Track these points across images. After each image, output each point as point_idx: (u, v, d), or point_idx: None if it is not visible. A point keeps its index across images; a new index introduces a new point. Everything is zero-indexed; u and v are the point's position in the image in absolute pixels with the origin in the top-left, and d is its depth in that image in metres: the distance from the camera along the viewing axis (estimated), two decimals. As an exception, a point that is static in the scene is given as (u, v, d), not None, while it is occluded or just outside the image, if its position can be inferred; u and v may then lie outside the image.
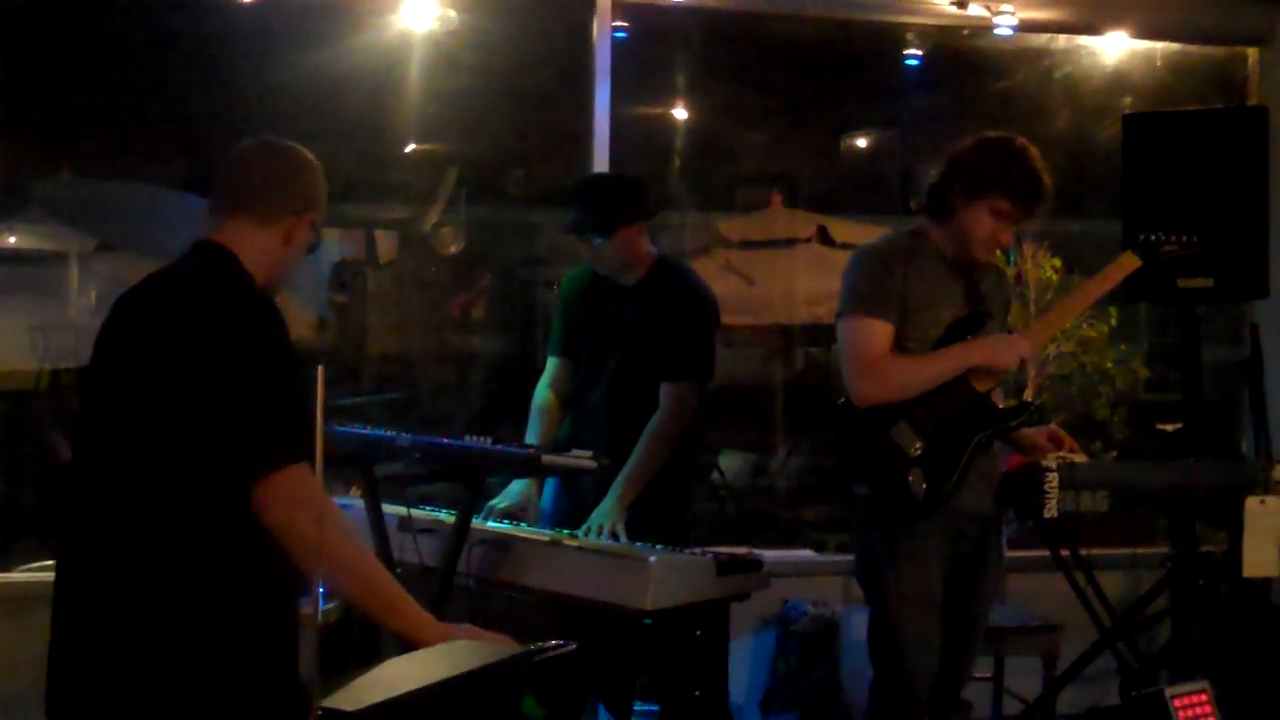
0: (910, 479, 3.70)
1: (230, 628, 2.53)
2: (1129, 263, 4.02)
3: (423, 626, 2.61)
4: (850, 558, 4.18)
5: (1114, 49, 6.39)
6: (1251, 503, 4.37)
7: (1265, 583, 4.91)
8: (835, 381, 4.43)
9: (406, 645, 2.62)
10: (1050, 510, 4.31)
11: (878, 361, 3.72)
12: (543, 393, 4.39)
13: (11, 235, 6.73)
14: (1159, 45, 6.36)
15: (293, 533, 2.50)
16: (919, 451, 3.72)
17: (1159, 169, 4.96)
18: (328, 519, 2.55)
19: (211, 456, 2.49)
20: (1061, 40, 6.41)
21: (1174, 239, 4.07)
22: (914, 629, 3.78)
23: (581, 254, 4.36)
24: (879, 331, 3.73)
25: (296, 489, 2.49)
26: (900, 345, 3.78)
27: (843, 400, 3.81)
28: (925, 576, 3.79)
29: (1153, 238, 4.07)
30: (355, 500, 3.96)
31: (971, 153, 3.79)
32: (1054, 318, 4.23)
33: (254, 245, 2.70)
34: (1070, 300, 4.16)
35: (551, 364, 4.42)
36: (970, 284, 3.88)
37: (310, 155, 2.83)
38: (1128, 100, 6.38)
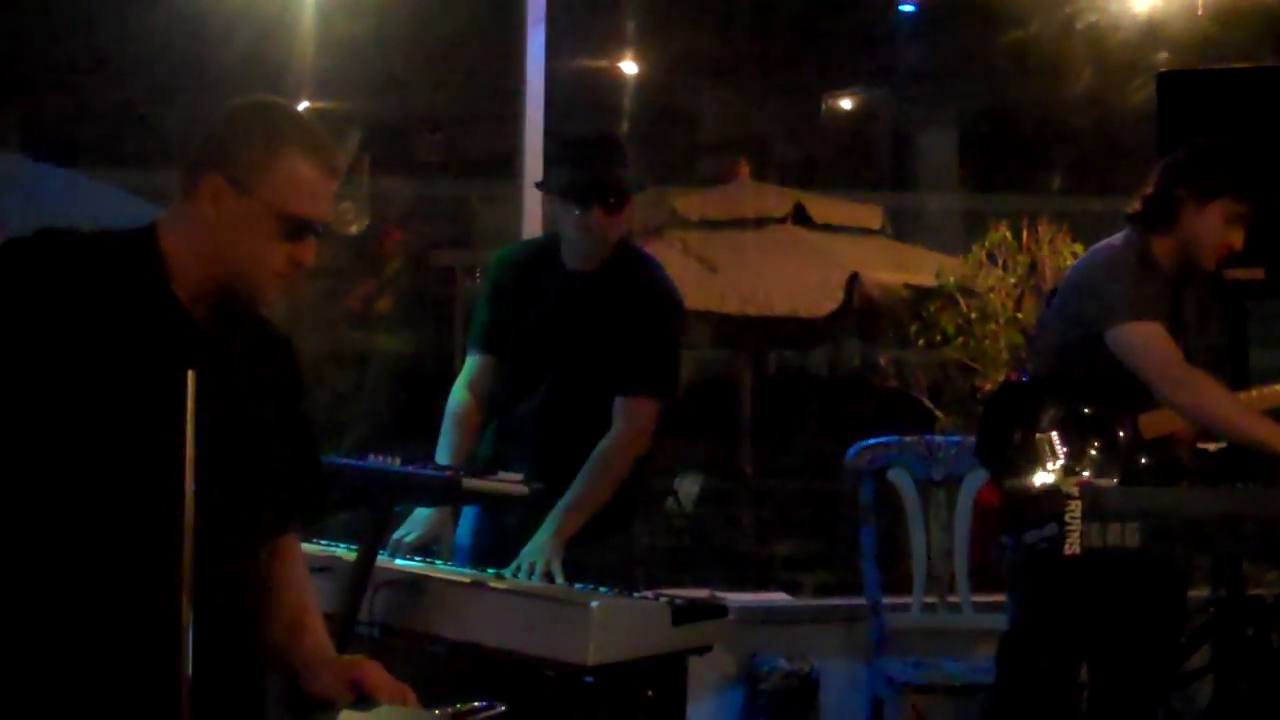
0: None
1: None
2: None
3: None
4: (829, 601, 4.23)
5: (1146, -5, 6.41)
6: (1309, 539, 4.38)
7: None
8: (809, 388, 4.38)
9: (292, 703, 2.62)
10: (1072, 546, 4.28)
11: (1186, 368, 4.04)
12: (460, 396, 4.29)
13: None
14: (1199, -9, 6.39)
15: None
16: None
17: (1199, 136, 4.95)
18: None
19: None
20: (1086, -16, 6.44)
21: None
22: None
23: (567, 228, 4.08)
24: (1166, 335, 4.04)
25: None
26: None
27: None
28: None
29: None
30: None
31: (1196, 156, 4.19)
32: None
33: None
34: None
35: (472, 362, 4.33)
36: (1177, 300, 4.23)
37: None
38: (1163, 55, 6.40)
